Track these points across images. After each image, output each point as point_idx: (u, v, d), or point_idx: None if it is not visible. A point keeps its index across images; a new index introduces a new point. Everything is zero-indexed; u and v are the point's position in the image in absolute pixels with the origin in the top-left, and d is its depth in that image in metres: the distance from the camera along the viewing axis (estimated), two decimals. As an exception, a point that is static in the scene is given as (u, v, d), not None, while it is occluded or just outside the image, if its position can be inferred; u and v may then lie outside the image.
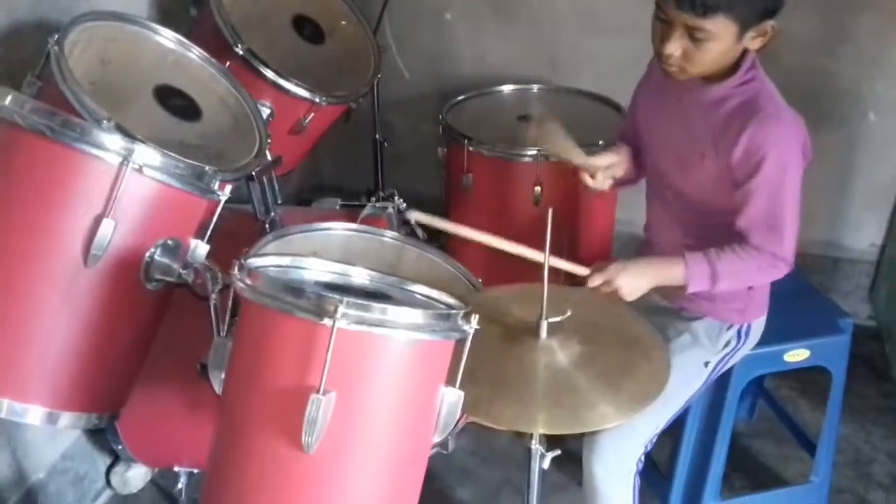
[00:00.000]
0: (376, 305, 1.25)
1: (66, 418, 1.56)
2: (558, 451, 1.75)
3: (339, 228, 2.06)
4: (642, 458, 2.03)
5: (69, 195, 1.49)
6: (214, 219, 1.69)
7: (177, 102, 1.99)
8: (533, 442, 1.71)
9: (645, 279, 1.91)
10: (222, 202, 1.70)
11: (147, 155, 1.52)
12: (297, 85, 2.35)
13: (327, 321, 1.21)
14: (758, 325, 2.12)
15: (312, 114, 2.41)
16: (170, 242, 1.58)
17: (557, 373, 1.62)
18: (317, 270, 1.45)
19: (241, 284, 1.31)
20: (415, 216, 2.00)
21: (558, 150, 2.07)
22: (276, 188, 2.44)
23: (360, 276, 1.47)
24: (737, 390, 2.22)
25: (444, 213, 2.82)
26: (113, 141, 1.50)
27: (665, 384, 1.63)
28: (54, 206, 1.49)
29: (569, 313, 1.65)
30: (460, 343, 1.39)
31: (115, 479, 2.46)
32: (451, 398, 1.38)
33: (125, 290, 1.55)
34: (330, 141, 3.16)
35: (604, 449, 1.99)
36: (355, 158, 3.11)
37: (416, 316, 1.29)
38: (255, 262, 1.38)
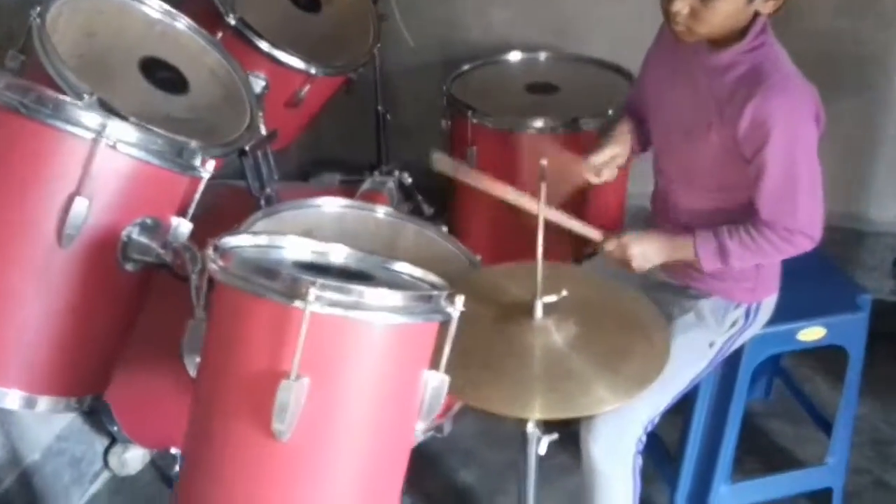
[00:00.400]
0: (352, 287, 1.21)
1: (44, 402, 1.54)
2: (555, 436, 1.72)
3: (330, 205, 2.04)
4: (643, 439, 1.99)
5: (43, 173, 1.46)
6: (197, 196, 1.66)
7: (163, 75, 1.96)
8: (529, 426, 1.68)
9: (659, 252, 1.89)
10: (205, 179, 1.66)
11: (122, 130, 1.49)
12: (291, 56, 2.32)
13: (299, 304, 1.18)
14: (768, 304, 2.06)
15: (308, 85, 2.37)
16: (148, 221, 1.55)
17: (552, 355, 1.59)
18: (296, 250, 1.42)
19: (213, 266, 1.28)
20: (436, 158, 1.93)
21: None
22: (272, 163, 2.41)
23: (341, 255, 1.44)
24: (748, 370, 2.17)
25: (450, 188, 2.78)
26: (86, 117, 1.47)
27: (663, 367, 1.59)
28: (28, 184, 1.46)
29: (564, 293, 1.61)
30: (445, 325, 1.36)
31: (112, 461, 2.46)
32: (435, 383, 1.35)
33: (102, 271, 1.52)
34: (331, 113, 3.12)
35: (601, 430, 1.95)
36: (358, 131, 3.06)
37: (394, 298, 1.25)
38: (230, 241, 1.34)
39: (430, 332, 1.35)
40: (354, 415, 1.27)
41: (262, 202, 2.24)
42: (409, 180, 2.99)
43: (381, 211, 2.06)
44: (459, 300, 1.34)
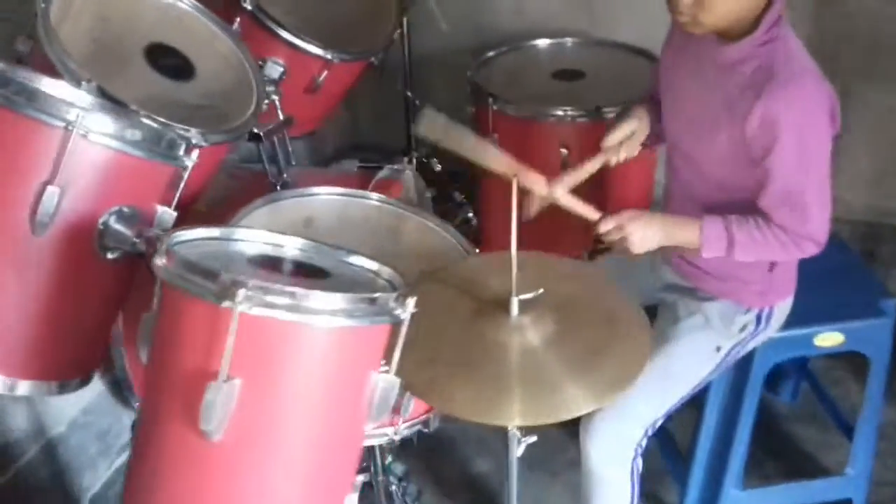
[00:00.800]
0: (284, 289, 1.16)
1: (24, 386, 1.54)
2: (534, 438, 1.65)
3: (325, 193, 1.99)
4: (643, 443, 1.90)
5: (17, 162, 1.44)
6: (182, 185, 1.64)
7: (168, 61, 1.94)
8: (509, 427, 1.62)
9: (658, 233, 1.76)
10: (189, 168, 1.63)
11: (95, 120, 1.47)
12: (308, 42, 2.27)
13: (229, 304, 1.14)
14: (782, 309, 1.94)
15: (326, 71, 2.33)
16: (125, 210, 1.53)
17: (526, 355, 1.51)
18: (251, 243, 1.38)
19: (157, 262, 1.25)
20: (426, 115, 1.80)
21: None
22: (289, 149, 2.39)
23: (296, 248, 1.39)
24: (760, 374, 2.05)
25: (475, 175, 2.70)
26: (58, 107, 1.45)
27: (641, 370, 1.50)
28: (3, 172, 1.46)
29: (541, 291, 1.53)
30: (398, 327, 1.30)
31: (138, 435, 2.48)
32: (384, 384, 1.30)
33: (79, 259, 1.51)
34: (367, 98, 3.09)
35: (600, 431, 1.87)
36: (392, 116, 3.01)
37: (332, 301, 1.19)
38: (181, 236, 1.31)
39: (378, 335, 1.30)
40: (293, 417, 1.23)
41: (279, 188, 2.22)
42: (439, 167, 2.95)
43: (375, 199, 2.00)
44: (411, 302, 1.28)
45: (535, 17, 2.93)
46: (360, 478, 2.07)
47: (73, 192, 1.46)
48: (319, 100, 2.43)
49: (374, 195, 2.01)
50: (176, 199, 1.65)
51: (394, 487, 2.09)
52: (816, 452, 2.46)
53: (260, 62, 2.22)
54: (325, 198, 2.01)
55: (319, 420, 1.24)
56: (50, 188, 1.43)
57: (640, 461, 1.92)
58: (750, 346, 1.96)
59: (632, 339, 1.54)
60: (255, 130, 2.12)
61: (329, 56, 2.30)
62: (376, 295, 1.25)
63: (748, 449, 2.11)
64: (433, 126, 1.81)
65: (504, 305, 1.55)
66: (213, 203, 2.13)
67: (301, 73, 2.32)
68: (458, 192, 2.89)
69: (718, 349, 1.91)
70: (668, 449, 2.32)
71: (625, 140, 1.90)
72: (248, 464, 1.21)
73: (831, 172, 1.70)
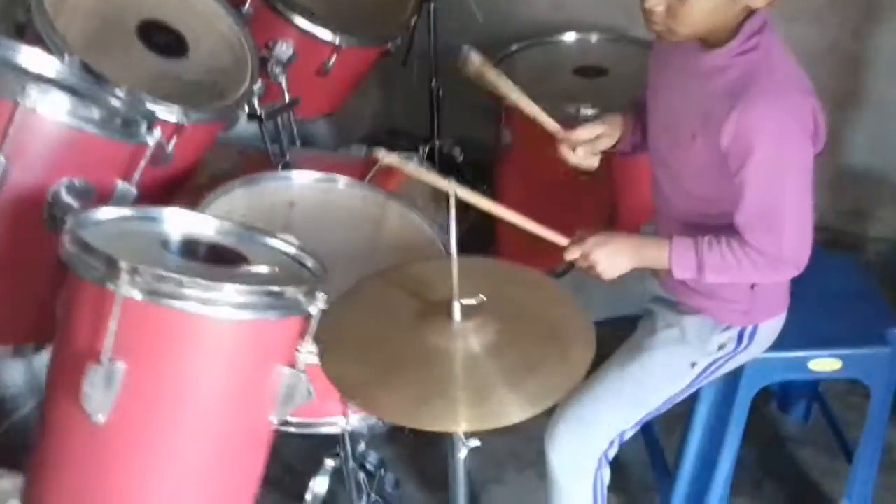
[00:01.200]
0: (171, 276, 1.13)
1: (-23, 349, 1.57)
2: (478, 443, 1.58)
3: (299, 177, 1.95)
4: (609, 454, 1.80)
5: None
6: (143, 163, 1.62)
7: (161, 38, 1.94)
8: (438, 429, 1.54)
9: (625, 258, 1.66)
10: (151, 146, 1.62)
11: (46, 95, 1.47)
12: (318, 26, 2.24)
13: (112, 288, 1.11)
14: (769, 328, 1.80)
15: (335, 56, 2.29)
16: (76, 183, 1.52)
17: (460, 361, 1.44)
18: (169, 223, 1.34)
19: (62, 240, 1.23)
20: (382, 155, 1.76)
21: (515, 99, 1.81)
22: (294, 130, 2.37)
23: (213, 229, 1.35)
24: (747, 394, 1.91)
25: (493, 171, 2.63)
26: (7, 80, 1.45)
27: (571, 387, 1.41)
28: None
29: (482, 298, 1.45)
30: (309, 320, 1.25)
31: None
32: (289, 379, 1.25)
33: (27, 229, 1.50)
34: (401, 84, 3.03)
35: (561, 441, 1.78)
36: (423, 103, 2.96)
37: (227, 293, 1.15)
38: (95, 215, 1.29)
39: (285, 328, 1.25)
40: (183, 406, 1.19)
41: (280, 168, 2.19)
42: (461, 158, 2.88)
43: (358, 187, 1.95)
44: (321, 297, 1.22)
45: (572, 11, 2.81)
46: (330, 462, 2.05)
47: (21, 164, 1.46)
48: (331, 84, 2.39)
49: (343, 178, 1.96)
50: (137, 174, 1.64)
51: (362, 475, 2.05)
52: (820, 479, 2.30)
53: (269, 44, 2.20)
54: (308, 182, 1.97)
55: (212, 411, 1.21)
56: (-5, 163, 1.44)
57: (605, 472, 1.82)
58: (731, 366, 1.83)
59: (567, 355, 1.44)
60: (258, 110, 2.10)
61: (338, 41, 2.25)
62: (278, 288, 1.19)
63: (750, 469, 1.98)
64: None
65: (448, 310, 1.48)
66: (216, 177, 2.13)
67: (311, 56, 2.29)
68: (481, 183, 2.81)
69: (693, 365, 1.79)
70: (656, 462, 2.21)
71: (589, 143, 1.80)
72: (134, 449, 1.19)
73: (813, 191, 1.57)
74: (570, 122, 2.22)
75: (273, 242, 1.37)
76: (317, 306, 1.22)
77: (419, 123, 3.02)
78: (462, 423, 1.38)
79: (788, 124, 1.51)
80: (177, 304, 1.13)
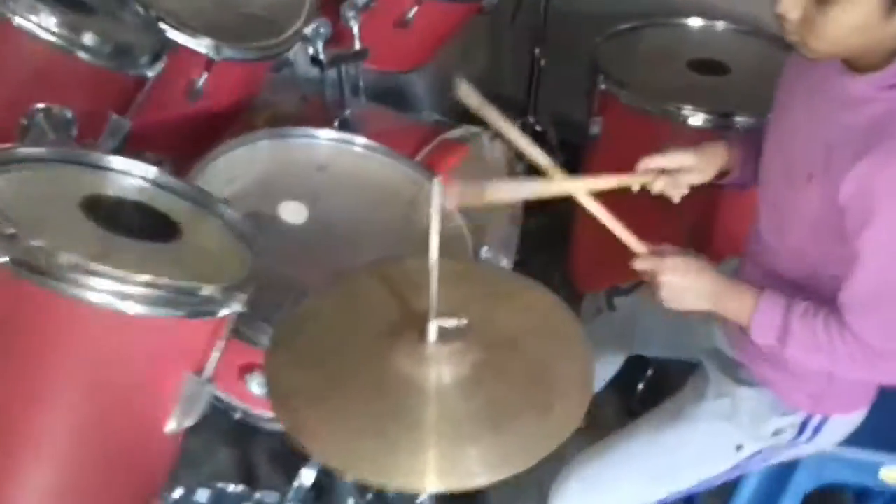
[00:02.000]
0: (45, 249, 0.91)
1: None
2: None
3: (331, 138, 1.72)
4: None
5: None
6: (140, 96, 1.43)
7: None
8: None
9: (698, 297, 1.35)
10: (150, 78, 1.42)
11: (37, 14, 1.28)
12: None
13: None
14: (841, 424, 1.45)
15: (416, 7, 2.03)
16: (55, 111, 1.34)
17: (422, 394, 1.18)
18: (104, 175, 1.13)
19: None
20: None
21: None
22: (360, 83, 2.13)
23: (149, 186, 1.12)
24: (797, 493, 1.59)
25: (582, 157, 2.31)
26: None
27: (549, 451, 1.12)
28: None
29: (464, 321, 1.19)
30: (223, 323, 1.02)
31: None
32: (191, 389, 1.03)
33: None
34: (509, 49, 2.75)
35: (570, 502, 1.52)
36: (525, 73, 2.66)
37: (115, 280, 0.93)
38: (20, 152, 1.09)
39: (194, 329, 1.02)
40: (56, 398, 0.99)
41: (337, 121, 1.98)
42: (555, 140, 2.58)
43: (396, 160, 1.71)
44: (239, 300, 0.99)
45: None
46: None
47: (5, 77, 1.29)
48: (413, 37, 2.13)
49: (397, 156, 1.72)
50: (134, 107, 1.45)
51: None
52: None
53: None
54: (342, 146, 1.74)
55: (90, 410, 1.01)
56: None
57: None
58: (786, 456, 1.50)
59: (552, 409, 1.15)
60: (319, 55, 1.90)
61: (418, -10, 1.99)
62: (184, 284, 0.97)
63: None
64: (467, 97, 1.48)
65: (421, 329, 1.21)
66: (274, 121, 1.94)
67: (392, 5, 2.04)
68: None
69: (739, 448, 1.47)
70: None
71: (668, 171, 1.48)
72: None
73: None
74: (667, 125, 1.97)
75: (220, 212, 1.14)
76: (231, 309, 0.99)
77: (520, 94, 2.73)
78: (400, 478, 1.12)
79: None
80: (49, 283, 0.93)
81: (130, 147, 1.48)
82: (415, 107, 2.63)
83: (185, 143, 1.69)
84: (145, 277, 0.95)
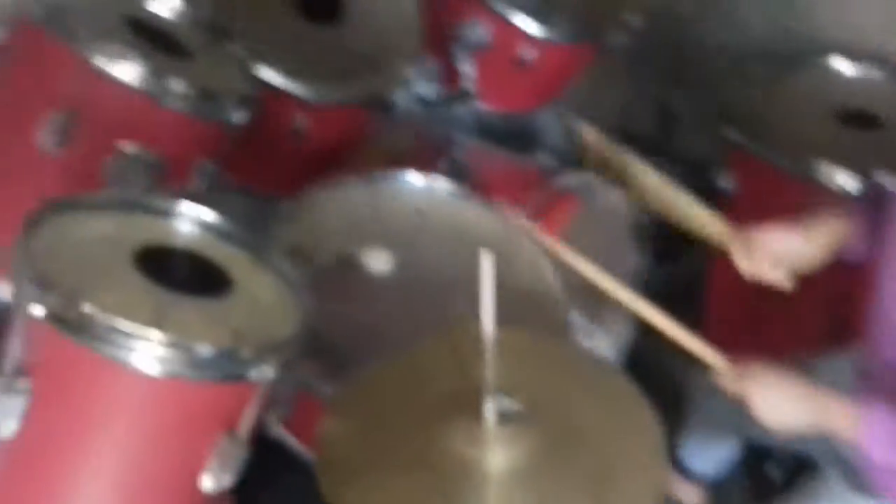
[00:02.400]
0: (87, 314, 0.91)
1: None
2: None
3: (422, 184, 1.67)
4: None
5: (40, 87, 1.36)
6: (228, 140, 1.45)
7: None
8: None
9: (794, 409, 1.22)
10: (236, 124, 1.43)
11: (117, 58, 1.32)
12: (514, 12, 1.92)
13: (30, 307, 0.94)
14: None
15: (532, 48, 1.97)
16: (142, 156, 1.36)
17: (468, 482, 1.09)
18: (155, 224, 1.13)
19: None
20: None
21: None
22: (471, 121, 2.10)
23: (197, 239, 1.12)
24: None
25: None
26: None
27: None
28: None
29: (519, 406, 1.11)
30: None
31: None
32: (228, 448, 1.02)
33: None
34: (641, 88, 2.64)
35: None
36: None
37: (149, 345, 0.93)
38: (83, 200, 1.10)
39: (221, 392, 1.01)
40: (87, 443, 1.00)
41: (440, 161, 1.95)
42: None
43: (491, 212, 1.64)
44: (270, 367, 0.96)
45: (862, 29, 2.20)
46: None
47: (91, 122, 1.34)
48: (531, 78, 2.07)
49: (491, 207, 1.66)
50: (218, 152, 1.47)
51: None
52: None
53: (459, 25, 1.94)
54: (437, 193, 1.70)
55: (123, 463, 1.01)
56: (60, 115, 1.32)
57: None
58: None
59: None
60: (426, 96, 1.89)
61: (536, 32, 1.93)
62: (211, 349, 0.95)
63: None
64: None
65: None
66: (390, 156, 1.93)
67: (507, 45, 1.99)
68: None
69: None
70: None
71: (773, 257, 1.33)
72: (38, 472, 1.03)
73: None
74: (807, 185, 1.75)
75: (276, 266, 1.13)
76: (262, 374, 0.97)
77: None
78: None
79: None
80: (82, 339, 0.94)
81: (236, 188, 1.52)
82: (540, 148, 2.55)
83: (294, 183, 1.69)
84: (190, 345, 0.94)
